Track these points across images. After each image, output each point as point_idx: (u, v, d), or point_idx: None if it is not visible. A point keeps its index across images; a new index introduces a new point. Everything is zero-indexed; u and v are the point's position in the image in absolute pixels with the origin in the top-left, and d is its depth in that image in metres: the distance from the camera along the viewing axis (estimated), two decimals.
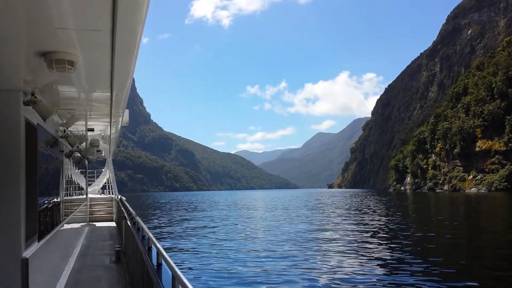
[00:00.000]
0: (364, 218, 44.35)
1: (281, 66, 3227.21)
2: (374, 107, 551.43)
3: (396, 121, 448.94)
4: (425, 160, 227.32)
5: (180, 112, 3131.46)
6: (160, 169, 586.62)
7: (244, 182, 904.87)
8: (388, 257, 20.59)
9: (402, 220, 42.55)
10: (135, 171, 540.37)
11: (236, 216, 52.03)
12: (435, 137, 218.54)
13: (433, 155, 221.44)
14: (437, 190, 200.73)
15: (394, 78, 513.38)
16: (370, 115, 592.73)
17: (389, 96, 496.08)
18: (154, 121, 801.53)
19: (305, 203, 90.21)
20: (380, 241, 26.09)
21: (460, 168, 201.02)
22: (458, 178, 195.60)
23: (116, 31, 3.64)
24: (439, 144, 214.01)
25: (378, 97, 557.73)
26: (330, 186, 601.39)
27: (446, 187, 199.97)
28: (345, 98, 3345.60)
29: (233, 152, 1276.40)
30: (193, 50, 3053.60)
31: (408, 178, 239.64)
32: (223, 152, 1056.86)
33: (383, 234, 29.97)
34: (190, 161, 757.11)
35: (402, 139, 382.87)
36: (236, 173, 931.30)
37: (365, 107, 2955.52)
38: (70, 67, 4.34)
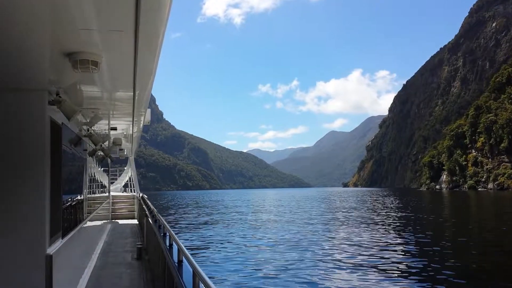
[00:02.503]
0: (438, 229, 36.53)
1: (293, 65, 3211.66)
2: (392, 104, 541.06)
3: (415, 118, 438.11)
4: (464, 156, 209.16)
5: (191, 110, 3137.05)
6: (173, 167, 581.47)
7: (256, 181, 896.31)
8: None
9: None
10: (148, 169, 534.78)
11: (257, 216, 50.14)
12: (478, 130, 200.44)
13: (473, 151, 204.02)
14: (479, 189, 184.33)
15: (409, 75, 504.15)
16: (383, 113, 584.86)
17: (408, 93, 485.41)
18: (166, 119, 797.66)
19: (334, 205, 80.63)
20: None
21: (507, 164, 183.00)
22: (506, 175, 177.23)
23: (139, 32, 3.69)
24: (481, 139, 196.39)
25: (391, 94, 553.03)
26: (346, 185, 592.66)
27: (490, 186, 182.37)
28: (358, 96, 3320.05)
29: (245, 151, 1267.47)
30: (205, 49, 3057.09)
31: (444, 175, 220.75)
32: (235, 151, 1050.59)
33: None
34: (203, 160, 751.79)
35: (423, 136, 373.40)
36: (249, 171, 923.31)
37: (378, 105, 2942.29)
38: (94, 67, 4.40)
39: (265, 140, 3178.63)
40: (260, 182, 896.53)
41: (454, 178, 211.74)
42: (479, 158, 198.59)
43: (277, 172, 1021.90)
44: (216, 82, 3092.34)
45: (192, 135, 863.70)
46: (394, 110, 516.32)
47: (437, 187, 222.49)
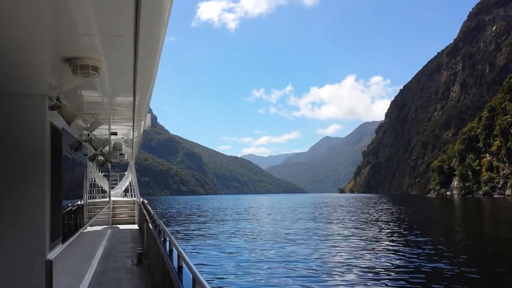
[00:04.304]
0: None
1: (287, 70, 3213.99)
2: (388, 109, 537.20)
3: (413, 123, 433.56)
4: (477, 160, 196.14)
5: (185, 115, 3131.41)
6: (167, 172, 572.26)
7: (251, 186, 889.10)
8: None
9: None
10: (142, 174, 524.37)
11: (258, 223, 49.28)
12: (493, 133, 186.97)
13: (487, 155, 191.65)
14: (495, 196, 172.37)
15: (403, 80, 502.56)
16: (377, 119, 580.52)
17: (405, 98, 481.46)
18: (160, 123, 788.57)
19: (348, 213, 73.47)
20: None
21: None
22: None
23: (139, 37, 3.70)
24: (497, 142, 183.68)
25: (385, 100, 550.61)
26: (342, 191, 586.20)
27: (508, 192, 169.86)
28: (352, 102, 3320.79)
29: (239, 156, 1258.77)
30: (199, 53, 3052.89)
31: (455, 181, 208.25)
32: (230, 156, 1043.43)
33: None
34: (197, 165, 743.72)
35: (422, 141, 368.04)
36: (243, 177, 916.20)
37: (372, 111, 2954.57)
38: (94, 72, 4.41)
39: (259, 146, 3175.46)
40: (254, 187, 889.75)
41: (466, 184, 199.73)
42: (495, 162, 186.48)
43: (272, 178, 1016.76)
44: (210, 87, 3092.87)
45: (186, 139, 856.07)
46: (391, 115, 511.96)
47: (448, 193, 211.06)
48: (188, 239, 31.76)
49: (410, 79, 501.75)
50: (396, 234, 33.39)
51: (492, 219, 52.08)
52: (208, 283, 3.93)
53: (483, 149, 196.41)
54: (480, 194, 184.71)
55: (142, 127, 11.39)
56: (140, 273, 10.90)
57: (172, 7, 3.33)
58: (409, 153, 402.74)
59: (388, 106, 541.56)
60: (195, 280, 4.32)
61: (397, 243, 27.99)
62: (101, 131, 10.62)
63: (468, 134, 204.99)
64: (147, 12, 3.21)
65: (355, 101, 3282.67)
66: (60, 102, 5.70)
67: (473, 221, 49.46)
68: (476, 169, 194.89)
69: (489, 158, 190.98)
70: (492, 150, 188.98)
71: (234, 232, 36.94)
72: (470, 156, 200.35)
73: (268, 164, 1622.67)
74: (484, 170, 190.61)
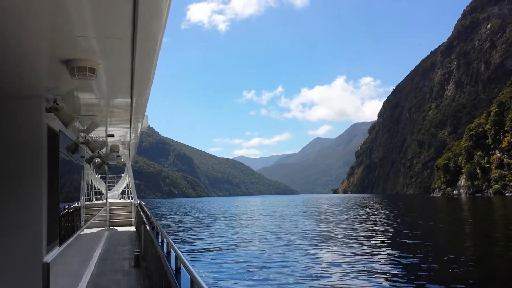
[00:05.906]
0: None
1: (277, 71, 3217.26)
2: (381, 109, 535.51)
3: (407, 123, 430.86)
4: (486, 157, 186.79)
5: (176, 117, 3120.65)
6: (158, 174, 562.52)
7: (243, 188, 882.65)
8: None
9: None
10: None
11: (255, 223, 48.54)
12: (504, 129, 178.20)
13: (497, 152, 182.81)
14: (507, 194, 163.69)
15: (394, 81, 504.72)
16: (367, 120, 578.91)
17: (398, 97, 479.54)
18: (150, 125, 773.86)
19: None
20: None
21: None
22: None
23: (137, 39, 3.69)
24: (508, 138, 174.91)
25: (375, 101, 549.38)
26: (335, 191, 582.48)
27: None
28: (342, 103, 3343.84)
29: (230, 158, 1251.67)
30: (189, 55, 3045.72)
31: (463, 180, 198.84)
32: (221, 158, 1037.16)
33: None
34: (188, 167, 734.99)
35: (418, 140, 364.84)
36: (235, 178, 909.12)
37: (362, 112, 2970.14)
38: (91, 74, 4.40)
39: (250, 147, 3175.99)
40: (246, 189, 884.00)
41: (475, 183, 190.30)
42: (505, 159, 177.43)
43: (264, 179, 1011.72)
44: (200, 88, 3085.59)
45: (177, 141, 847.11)
46: (384, 115, 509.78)
47: (455, 192, 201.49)
48: (186, 241, 31.61)
49: (403, 78, 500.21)
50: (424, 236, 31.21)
51: None
52: (207, 284, 3.93)
53: (492, 146, 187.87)
54: (490, 192, 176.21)
55: (140, 129, 11.21)
56: (137, 275, 10.80)
57: (169, 9, 3.32)
58: (404, 153, 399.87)
59: (379, 107, 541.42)
60: (193, 281, 4.30)
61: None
62: (98, 133, 10.43)
63: (476, 131, 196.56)
64: (144, 14, 3.21)
65: (346, 102, 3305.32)
66: (57, 104, 5.63)
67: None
68: (485, 167, 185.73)
69: (499, 155, 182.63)
70: (503, 146, 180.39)
71: (232, 234, 36.35)
72: (478, 153, 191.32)
73: (259, 165, 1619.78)
74: (494, 167, 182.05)
